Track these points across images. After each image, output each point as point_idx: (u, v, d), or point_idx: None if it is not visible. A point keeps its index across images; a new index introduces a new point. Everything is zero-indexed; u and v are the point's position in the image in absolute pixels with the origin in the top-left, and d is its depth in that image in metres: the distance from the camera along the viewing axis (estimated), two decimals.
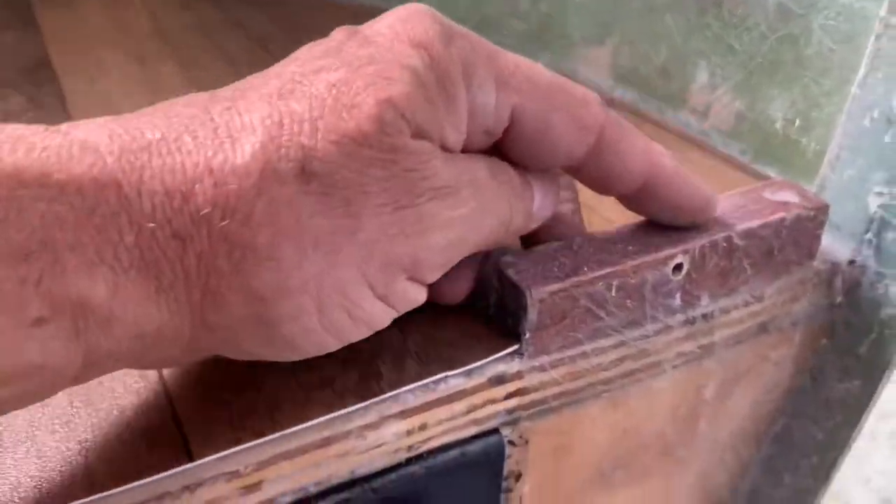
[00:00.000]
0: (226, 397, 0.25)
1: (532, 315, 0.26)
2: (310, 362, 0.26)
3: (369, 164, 0.21)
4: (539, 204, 0.27)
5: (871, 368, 0.33)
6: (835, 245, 0.33)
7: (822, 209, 0.30)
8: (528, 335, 0.26)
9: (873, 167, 0.31)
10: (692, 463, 0.34)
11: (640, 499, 0.34)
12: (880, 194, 0.31)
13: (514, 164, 0.26)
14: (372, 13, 0.25)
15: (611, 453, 0.31)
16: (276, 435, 0.23)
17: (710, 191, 0.28)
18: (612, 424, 0.30)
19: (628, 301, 0.27)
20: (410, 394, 0.25)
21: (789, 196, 0.31)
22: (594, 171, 0.26)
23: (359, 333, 0.23)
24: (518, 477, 0.29)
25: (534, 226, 0.27)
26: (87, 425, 0.24)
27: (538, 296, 0.25)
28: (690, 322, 0.29)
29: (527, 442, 0.28)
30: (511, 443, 0.28)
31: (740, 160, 0.39)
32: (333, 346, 0.23)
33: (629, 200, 0.28)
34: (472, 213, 0.23)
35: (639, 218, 0.29)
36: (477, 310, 0.28)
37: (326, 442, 0.24)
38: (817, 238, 0.31)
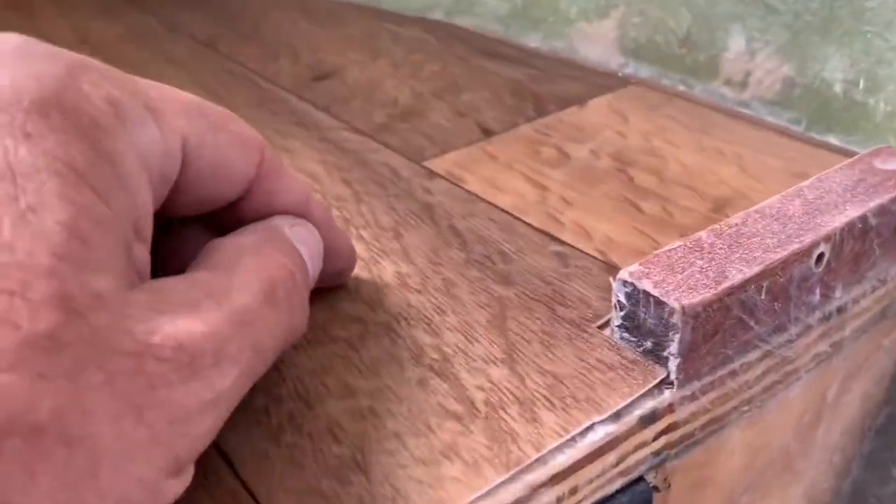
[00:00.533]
0: (327, 487, 0.19)
1: (685, 334, 0.21)
2: (417, 426, 0.20)
3: (72, 374, 0.14)
4: (313, 260, 0.23)
5: None
6: None
7: None
8: (678, 360, 0.21)
9: None
10: (806, 473, 0.31)
11: None
12: None
13: (187, 208, 0.21)
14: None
15: (743, 478, 0.27)
16: None
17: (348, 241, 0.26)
18: (747, 446, 0.26)
19: (776, 304, 0.23)
20: (558, 452, 0.20)
21: None
22: (262, 197, 0.22)
23: None
24: None
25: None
26: None
27: (692, 310, 0.21)
28: (826, 318, 0.25)
29: (669, 485, 0.23)
30: (655, 489, 0.23)
31: (792, 130, 0.36)
32: None
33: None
34: (245, 369, 0.17)
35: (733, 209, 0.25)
36: (593, 331, 0.23)
37: None
38: None
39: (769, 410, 0.25)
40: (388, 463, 0.19)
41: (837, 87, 0.34)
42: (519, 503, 0.19)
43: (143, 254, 0.17)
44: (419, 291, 0.26)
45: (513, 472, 0.19)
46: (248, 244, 0.20)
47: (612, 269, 0.26)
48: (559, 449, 0.20)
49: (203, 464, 0.20)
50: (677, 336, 0.21)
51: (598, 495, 0.21)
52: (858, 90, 0.33)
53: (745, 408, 0.24)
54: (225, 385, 0.16)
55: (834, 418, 0.30)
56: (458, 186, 0.32)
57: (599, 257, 0.27)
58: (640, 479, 0.22)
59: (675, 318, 0.21)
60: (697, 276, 0.22)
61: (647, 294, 0.21)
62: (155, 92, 0.19)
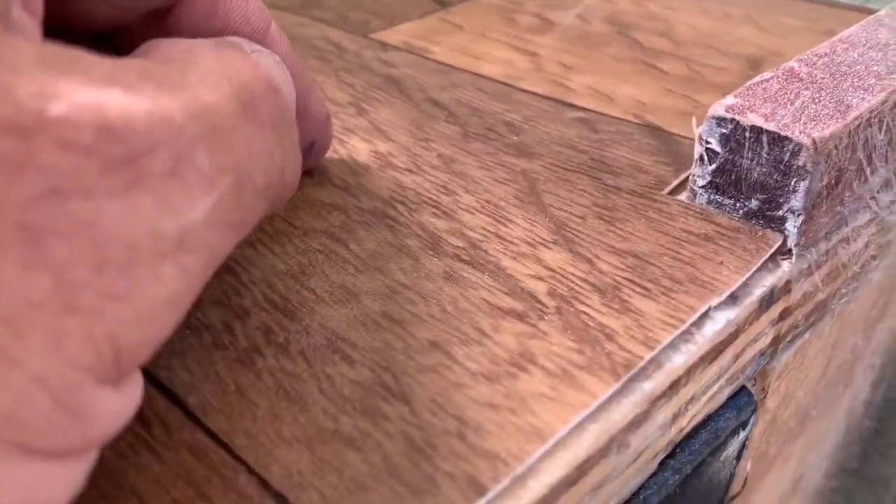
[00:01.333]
0: (349, 429, 0.12)
1: (814, 182, 0.15)
2: (469, 332, 0.14)
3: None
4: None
5: None
6: None
7: None
8: (800, 218, 0.16)
9: None
10: (855, 383, 0.26)
11: (811, 442, 0.25)
12: None
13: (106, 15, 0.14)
14: None
15: (819, 384, 0.22)
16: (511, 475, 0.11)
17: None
18: (829, 344, 0.21)
19: (888, 149, 0.18)
20: (672, 351, 0.14)
21: None
22: (203, 5, 0.15)
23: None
24: (743, 450, 0.19)
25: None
26: None
27: (825, 147, 0.15)
28: None
29: (766, 395, 0.18)
30: (756, 402, 0.17)
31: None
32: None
33: None
34: (227, 196, 0.10)
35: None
36: (663, 198, 0.17)
37: (583, 469, 0.12)
38: None
39: (857, 297, 0.20)
40: (437, 383, 0.13)
41: None
42: (635, 424, 0.13)
43: (28, 23, 0.10)
44: (411, 171, 0.19)
45: (624, 378, 0.13)
46: (202, 42, 0.12)
47: (659, 131, 0.20)
48: (674, 345, 0.14)
49: (144, 413, 0.12)
50: (804, 184, 0.15)
51: (708, 409, 0.15)
52: None
53: (845, 289, 0.19)
54: (195, 215, 0.09)
55: (888, 310, 0.25)
56: (425, 58, 0.25)
57: (635, 120, 0.21)
58: (743, 388, 0.17)
59: (803, 158, 0.15)
60: (813, 106, 0.16)
61: (757, 131, 0.15)
62: None
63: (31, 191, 0.08)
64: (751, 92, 0.17)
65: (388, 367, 0.13)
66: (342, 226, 0.17)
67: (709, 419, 0.16)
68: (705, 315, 0.14)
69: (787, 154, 0.15)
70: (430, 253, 0.16)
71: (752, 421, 0.17)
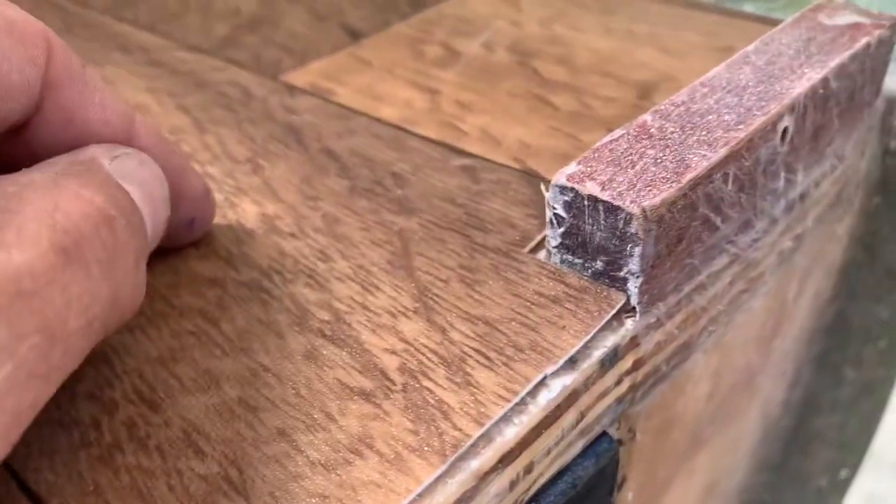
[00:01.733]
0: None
1: (648, 246, 0.16)
2: (311, 415, 0.15)
3: None
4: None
5: None
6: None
7: (894, 25, 0.23)
8: (639, 279, 0.16)
9: None
10: (763, 389, 0.27)
11: (717, 448, 0.26)
12: None
13: None
14: None
15: (708, 407, 0.23)
16: None
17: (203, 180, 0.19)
18: (711, 372, 0.22)
19: (742, 195, 0.19)
20: (503, 424, 0.15)
21: (852, 17, 0.23)
22: (58, 116, 0.15)
23: None
24: (621, 485, 0.20)
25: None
26: None
27: (655, 213, 0.16)
28: (790, 207, 0.21)
29: (634, 435, 0.19)
30: (620, 442, 0.18)
31: (705, 2, 0.31)
32: None
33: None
34: (31, 358, 0.11)
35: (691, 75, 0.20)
36: (523, 257, 0.18)
37: None
38: (887, 66, 0.24)
39: (735, 326, 0.21)
40: (276, 475, 0.14)
41: None
42: (466, 499, 0.14)
43: None
44: (294, 235, 0.20)
45: (451, 459, 0.14)
46: (37, 180, 0.13)
47: (535, 178, 0.21)
48: (506, 418, 0.15)
49: None
50: (638, 249, 0.16)
51: (557, 466, 0.16)
52: None
53: (713, 327, 0.20)
54: None
55: (790, 324, 0.26)
56: (328, 101, 0.26)
57: (516, 166, 0.22)
58: (603, 434, 0.18)
59: (635, 226, 0.16)
60: (653, 169, 0.17)
61: (594, 199, 0.16)
62: None
63: None
64: (596, 155, 0.17)
65: (235, 461, 0.14)
66: (217, 303, 0.18)
67: (565, 470, 0.17)
68: (541, 384, 0.15)
69: (621, 222, 0.16)
70: (296, 329, 0.17)
71: (618, 461, 0.18)
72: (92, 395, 0.16)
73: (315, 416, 0.15)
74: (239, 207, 0.21)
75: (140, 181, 0.16)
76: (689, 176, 0.17)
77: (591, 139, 0.23)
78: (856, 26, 0.22)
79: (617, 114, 0.24)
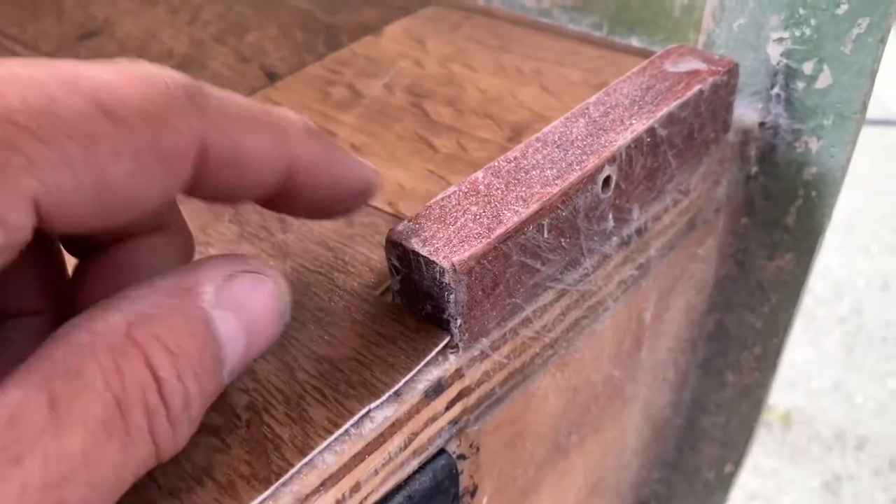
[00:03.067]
0: None
1: (460, 294, 0.19)
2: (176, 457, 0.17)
3: None
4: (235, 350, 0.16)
5: (803, 238, 0.29)
6: (740, 110, 0.28)
7: (733, 70, 0.25)
8: (458, 321, 0.19)
9: (767, 9, 0.27)
10: (639, 395, 0.30)
11: (594, 453, 0.29)
12: (780, 40, 0.27)
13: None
14: None
15: (564, 419, 0.26)
16: None
17: (370, 169, 0.19)
18: (562, 388, 0.24)
19: (562, 240, 0.21)
20: (328, 452, 0.17)
21: (694, 63, 0.25)
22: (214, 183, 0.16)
23: None
24: (474, 491, 0.23)
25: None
26: None
27: (464, 267, 0.19)
28: (626, 243, 0.24)
29: (478, 449, 0.22)
30: (461, 457, 0.21)
31: (594, 36, 0.34)
32: None
33: (269, 202, 0.18)
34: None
35: (529, 134, 0.23)
36: (374, 300, 0.21)
37: None
38: (730, 106, 0.26)
39: (579, 348, 0.24)
40: (132, 500, 0.17)
41: None
42: None
43: None
44: None
45: (274, 486, 0.17)
46: (108, 330, 0.14)
47: (401, 221, 0.24)
48: (330, 448, 0.17)
49: None
50: (452, 296, 0.19)
51: (392, 482, 0.19)
52: None
53: (549, 352, 0.23)
54: None
55: (657, 337, 0.29)
56: None
57: (388, 210, 0.25)
58: (441, 452, 0.21)
59: (447, 278, 0.19)
60: (471, 225, 0.20)
61: (415, 254, 0.19)
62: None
63: None
64: (427, 212, 0.20)
65: None
66: None
67: (402, 486, 0.20)
68: (366, 416, 0.18)
69: (437, 273, 0.19)
70: None
71: (457, 473, 0.21)
72: None
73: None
74: None
75: (246, 306, 0.16)
76: (499, 231, 0.19)
77: (457, 181, 0.25)
78: (694, 73, 0.25)
79: (487, 156, 0.27)
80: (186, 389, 0.15)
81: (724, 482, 0.34)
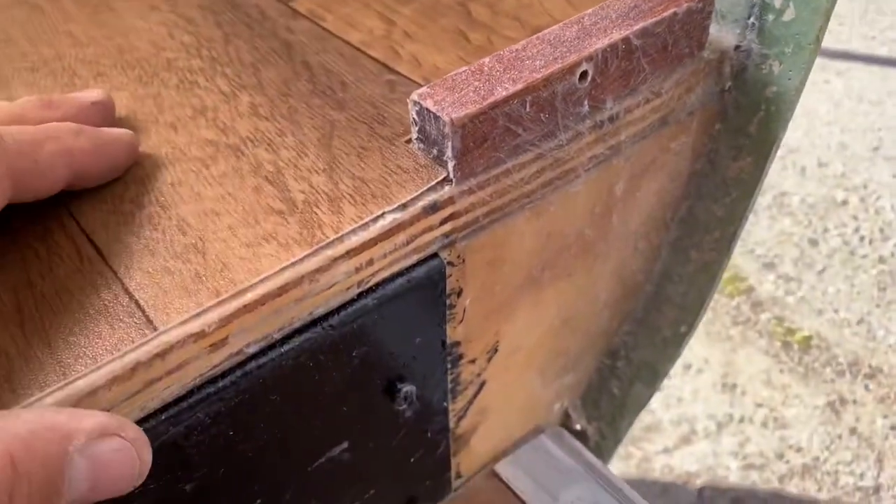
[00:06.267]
0: (173, 266, 0.25)
1: (455, 142, 0.27)
2: (248, 220, 0.26)
3: None
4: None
5: (761, 145, 0.35)
6: (721, 33, 0.34)
7: (709, 0, 0.32)
8: (453, 162, 0.27)
9: None
10: (610, 255, 0.38)
11: (566, 292, 0.37)
12: None
13: None
14: None
15: (538, 257, 0.34)
16: (234, 291, 0.24)
17: (125, 136, 0.29)
18: (537, 231, 0.32)
19: (542, 115, 0.29)
20: (353, 234, 0.26)
21: None
22: (27, 195, 0.26)
23: None
24: (459, 292, 0.31)
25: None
26: (37, 317, 0.24)
27: (459, 122, 0.26)
28: (598, 126, 0.31)
29: (464, 260, 0.30)
30: (450, 263, 0.30)
31: None
32: None
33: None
34: None
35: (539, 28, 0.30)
36: (400, 143, 0.29)
37: (282, 290, 0.25)
38: (706, 29, 0.33)
39: (552, 202, 0.32)
40: (221, 247, 0.26)
41: None
42: (321, 270, 0.25)
43: None
44: (267, 118, 0.31)
45: (314, 248, 0.25)
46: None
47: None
48: (354, 232, 0.26)
49: (80, 253, 0.26)
50: (449, 143, 0.27)
51: (396, 267, 0.28)
52: None
53: (526, 200, 0.30)
54: None
55: (629, 210, 0.36)
56: (318, 25, 0.37)
57: (423, 83, 0.32)
58: (435, 255, 0.29)
59: (447, 129, 0.26)
60: (471, 94, 0.27)
61: (428, 111, 0.27)
62: None
63: None
64: (442, 82, 0.28)
65: (202, 238, 0.26)
66: (211, 156, 0.30)
67: (403, 272, 0.28)
68: (381, 216, 0.26)
69: (441, 125, 0.27)
70: (252, 174, 0.28)
71: (445, 273, 0.29)
72: (133, 197, 0.28)
73: (249, 221, 0.27)
74: (238, 97, 0.32)
75: (104, 463, 0.20)
76: (489, 101, 0.27)
77: None
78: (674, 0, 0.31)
79: None
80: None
81: (678, 340, 0.41)
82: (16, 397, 0.22)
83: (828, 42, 1.46)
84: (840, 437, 0.87)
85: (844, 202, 1.15)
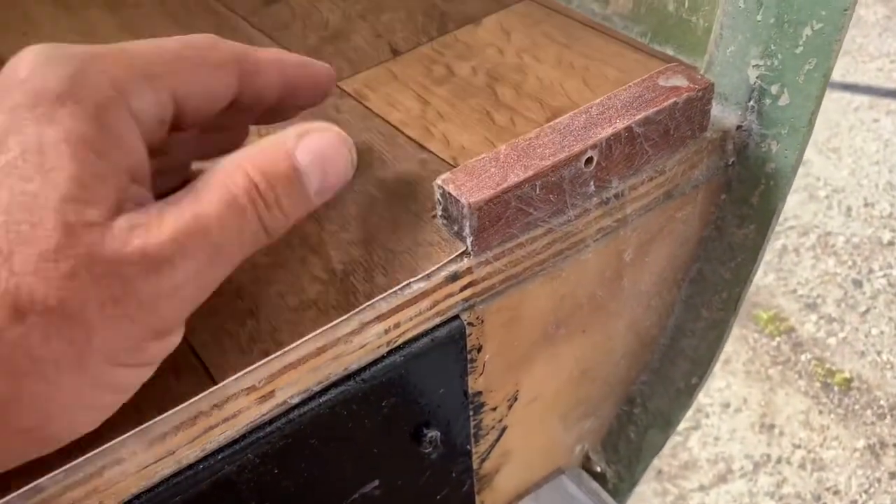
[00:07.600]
0: (230, 328, 0.30)
1: (472, 221, 0.31)
2: (294, 289, 0.31)
3: (71, 275, 0.21)
4: (314, 174, 0.27)
5: (763, 214, 0.39)
6: (724, 114, 0.38)
7: (708, 88, 0.35)
8: (471, 238, 0.31)
9: (750, 43, 0.36)
10: (623, 313, 0.41)
11: (582, 346, 0.41)
12: (757, 66, 0.36)
13: (197, 121, 0.28)
14: None
15: (553, 316, 0.37)
16: (281, 352, 0.28)
17: (324, 66, 0.32)
18: (550, 294, 0.36)
19: (551, 196, 0.33)
20: (383, 301, 0.30)
21: (679, 81, 0.35)
22: (249, 86, 0.28)
23: (126, 394, 0.25)
24: (479, 349, 0.35)
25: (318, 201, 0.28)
26: None
27: (476, 205, 0.30)
28: (605, 202, 0.35)
29: (482, 321, 0.34)
30: (470, 324, 0.34)
31: (640, 42, 0.44)
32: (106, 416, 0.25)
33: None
34: (203, 265, 0.24)
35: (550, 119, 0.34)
36: (427, 218, 0.33)
37: (321, 350, 0.29)
38: (707, 113, 0.36)
39: (563, 269, 0.36)
40: (272, 312, 0.30)
41: (671, 7, 0.42)
42: (354, 333, 0.30)
43: (138, 191, 0.24)
44: None
45: (350, 314, 0.30)
46: (227, 161, 0.25)
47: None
48: (384, 299, 0.30)
49: None
50: (468, 222, 0.31)
51: (421, 328, 0.32)
52: (685, 9, 0.41)
53: (539, 268, 0.34)
54: (179, 278, 0.23)
55: (639, 273, 0.40)
56: (362, 104, 0.41)
57: (451, 162, 0.37)
58: (456, 317, 0.33)
59: (465, 210, 0.31)
60: (487, 180, 0.31)
61: (450, 194, 0.31)
62: (147, 56, 0.25)
63: (116, 282, 0.22)
64: (463, 168, 0.32)
65: (256, 303, 0.31)
66: None
67: (427, 333, 0.32)
68: (407, 286, 0.31)
69: (461, 207, 0.31)
70: (300, 246, 0.33)
71: (465, 333, 0.33)
72: None
73: (296, 289, 0.31)
74: None
75: (318, 151, 0.27)
76: (503, 186, 0.31)
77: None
78: (675, 89, 0.35)
79: (528, 131, 0.38)
80: (276, 194, 0.26)
81: (690, 390, 0.44)
82: (100, 439, 0.27)
83: (878, 80, 1.47)
84: (879, 480, 0.87)
85: (891, 243, 1.16)
